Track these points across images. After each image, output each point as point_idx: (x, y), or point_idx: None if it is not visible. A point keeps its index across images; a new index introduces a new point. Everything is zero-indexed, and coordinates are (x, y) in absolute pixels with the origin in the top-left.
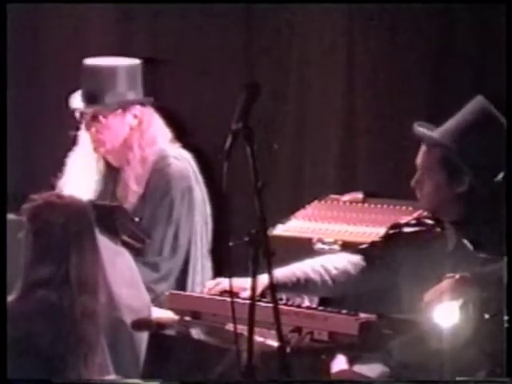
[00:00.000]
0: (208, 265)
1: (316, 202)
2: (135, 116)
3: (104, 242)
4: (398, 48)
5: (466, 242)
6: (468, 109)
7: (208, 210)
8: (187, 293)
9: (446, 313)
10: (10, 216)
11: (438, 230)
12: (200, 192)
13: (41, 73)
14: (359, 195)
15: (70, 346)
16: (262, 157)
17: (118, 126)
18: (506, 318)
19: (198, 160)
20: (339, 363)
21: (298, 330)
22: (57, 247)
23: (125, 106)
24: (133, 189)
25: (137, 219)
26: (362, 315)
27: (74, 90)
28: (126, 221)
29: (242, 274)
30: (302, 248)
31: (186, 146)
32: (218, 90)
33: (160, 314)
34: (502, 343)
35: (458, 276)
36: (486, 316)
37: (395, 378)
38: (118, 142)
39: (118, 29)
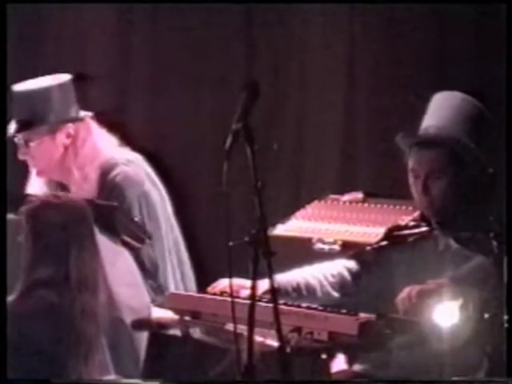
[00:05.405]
0: (187, 267)
1: (316, 201)
2: (68, 135)
3: (104, 241)
4: (398, 48)
5: (451, 241)
6: (446, 102)
7: (169, 209)
8: (187, 293)
9: (445, 313)
10: (10, 216)
11: (429, 230)
12: (158, 193)
13: (41, 73)
14: (359, 195)
15: (70, 346)
16: (261, 157)
17: (50, 148)
18: (505, 317)
19: (154, 162)
20: (339, 363)
21: (297, 330)
22: (56, 247)
23: (55, 129)
24: None
25: (136, 219)
26: (362, 315)
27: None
28: (125, 221)
29: (243, 274)
30: (302, 248)
31: (141, 149)
32: (217, 90)
33: (160, 313)
34: (501, 343)
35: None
36: (486, 316)
37: (395, 378)
38: (54, 164)
39: (118, 29)
